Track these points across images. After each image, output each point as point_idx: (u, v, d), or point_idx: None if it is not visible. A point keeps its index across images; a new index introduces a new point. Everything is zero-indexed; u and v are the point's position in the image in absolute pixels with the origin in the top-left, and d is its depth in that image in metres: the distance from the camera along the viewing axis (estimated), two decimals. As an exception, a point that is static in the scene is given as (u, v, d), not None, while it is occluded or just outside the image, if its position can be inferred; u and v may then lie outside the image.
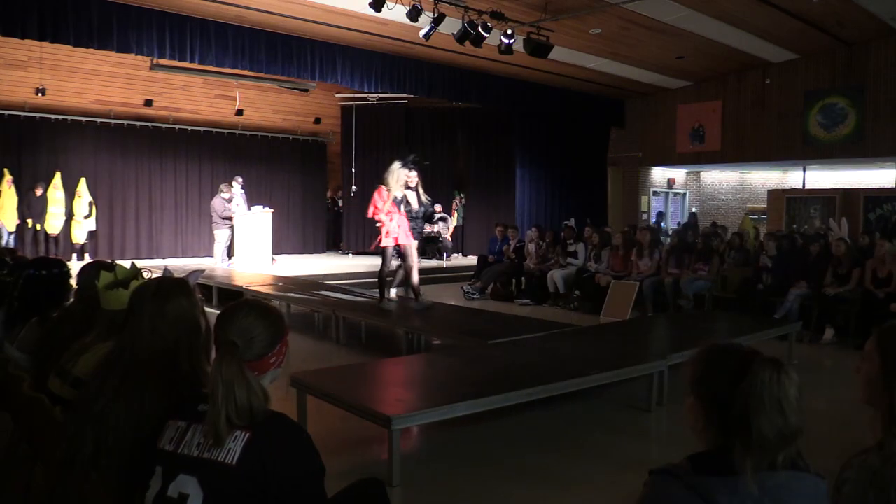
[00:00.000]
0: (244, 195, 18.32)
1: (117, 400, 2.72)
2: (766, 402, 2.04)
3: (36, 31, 11.57)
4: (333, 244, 23.62)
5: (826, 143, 17.37)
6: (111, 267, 3.66)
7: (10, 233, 16.54)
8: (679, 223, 21.60)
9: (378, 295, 10.92)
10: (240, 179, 18.36)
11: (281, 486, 2.36)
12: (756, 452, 2.04)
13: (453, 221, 21.78)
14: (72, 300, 4.59)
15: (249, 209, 18.17)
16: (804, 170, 20.28)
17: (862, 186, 18.36)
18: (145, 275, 3.56)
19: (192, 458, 2.41)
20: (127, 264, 3.64)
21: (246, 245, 17.77)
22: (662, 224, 21.28)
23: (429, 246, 20.49)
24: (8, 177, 16.73)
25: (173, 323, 2.88)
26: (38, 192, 17.09)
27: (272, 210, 18.71)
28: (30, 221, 16.97)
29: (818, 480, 2.10)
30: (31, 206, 16.99)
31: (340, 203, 23.39)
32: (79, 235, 17.76)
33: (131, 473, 2.63)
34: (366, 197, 22.33)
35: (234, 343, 2.52)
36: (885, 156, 16.86)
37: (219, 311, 2.67)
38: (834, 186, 18.89)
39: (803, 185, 20.23)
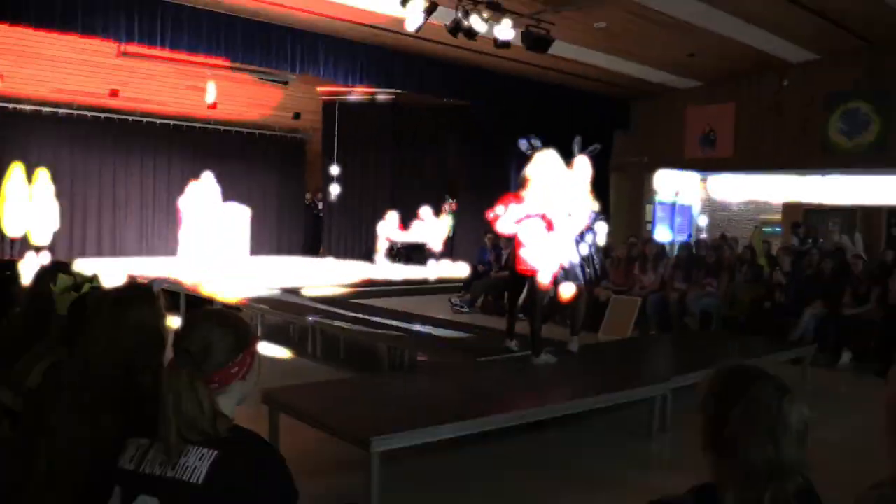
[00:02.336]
0: (215, 191, 18.22)
1: (72, 412, 2.72)
2: (759, 427, 2.03)
3: (-7, 11, 11.58)
4: (310, 248, 23.61)
5: (847, 152, 17.37)
6: (69, 270, 3.66)
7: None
8: (689, 235, 21.59)
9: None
10: (208, 175, 18.21)
11: None
12: (739, 483, 2.03)
13: (443, 228, 21.69)
14: (25, 305, 4.57)
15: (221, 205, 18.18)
16: (823, 177, 20.25)
17: (885, 198, 18.30)
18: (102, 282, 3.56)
19: (154, 476, 2.41)
20: (88, 270, 3.64)
21: (219, 243, 17.72)
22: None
23: (415, 254, 20.50)
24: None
25: (133, 332, 2.88)
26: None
27: (249, 208, 18.80)
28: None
29: None
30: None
31: (321, 206, 23.38)
32: (40, 236, 17.45)
33: (88, 493, 2.63)
34: (349, 200, 22.58)
35: (186, 351, 2.51)
36: (910, 167, 16.87)
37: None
38: (855, 200, 18.81)
39: (820, 198, 20.21)
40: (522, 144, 8.79)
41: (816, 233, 17.18)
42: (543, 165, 8.48)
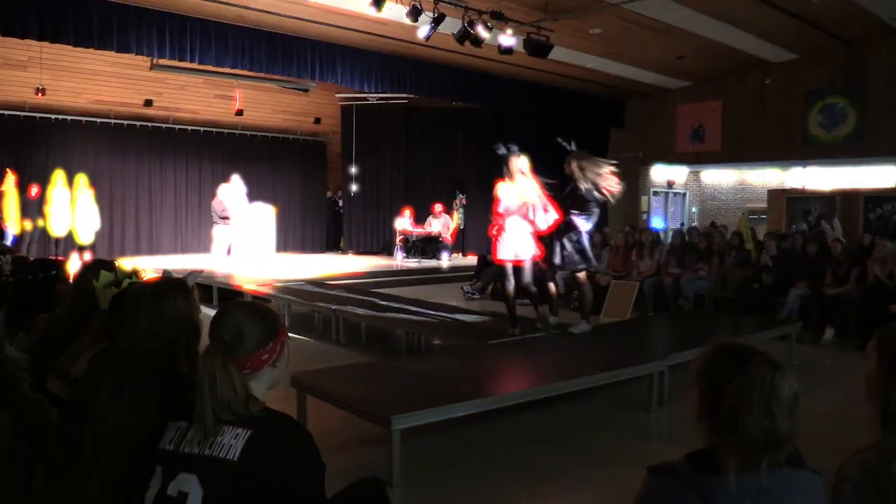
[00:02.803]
0: (243, 192, 18.17)
1: (115, 401, 2.73)
2: (755, 401, 2.04)
3: (36, 31, 11.56)
4: (334, 244, 23.65)
5: (826, 143, 17.34)
6: (111, 266, 3.66)
7: (15, 235, 16.37)
8: (682, 224, 21.52)
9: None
10: (236, 177, 18.13)
11: (282, 484, 2.37)
12: (738, 452, 2.04)
13: (454, 221, 21.72)
14: (70, 300, 4.56)
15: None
16: (804, 167, 20.22)
17: (862, 186, 18.26)
18: (143, 276, 3.56)
19: (193, 455, 2.42)
20: (128, 265, 3.64)
21: (247, 241, 17.73)
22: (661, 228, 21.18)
23: (429, 245, 20.49)
24: (13, 177, 16.52)
25: (170, 323, 2.89)
26: (34, 192, 16.97)
27: (274, 207, 18.87)
28: (29, 223, 16.82)
29: (814, 476, 2.11)
30: (26, 207, 16.85)
31: (341, 203, 23.41)
32: (83, 236, 17.36)
33: (131, 473, 2.64)
34: (367, 198, 22.60)
35: (220, 338, 2.52)
36: (885, 156, 16.83)
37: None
38: (834, 187, 18.76)
39: (803, 186, 20.17)
40: (499, 148, 8.94)
41: (825, 218, 17.14)
42: (521, 169, 8.93)
